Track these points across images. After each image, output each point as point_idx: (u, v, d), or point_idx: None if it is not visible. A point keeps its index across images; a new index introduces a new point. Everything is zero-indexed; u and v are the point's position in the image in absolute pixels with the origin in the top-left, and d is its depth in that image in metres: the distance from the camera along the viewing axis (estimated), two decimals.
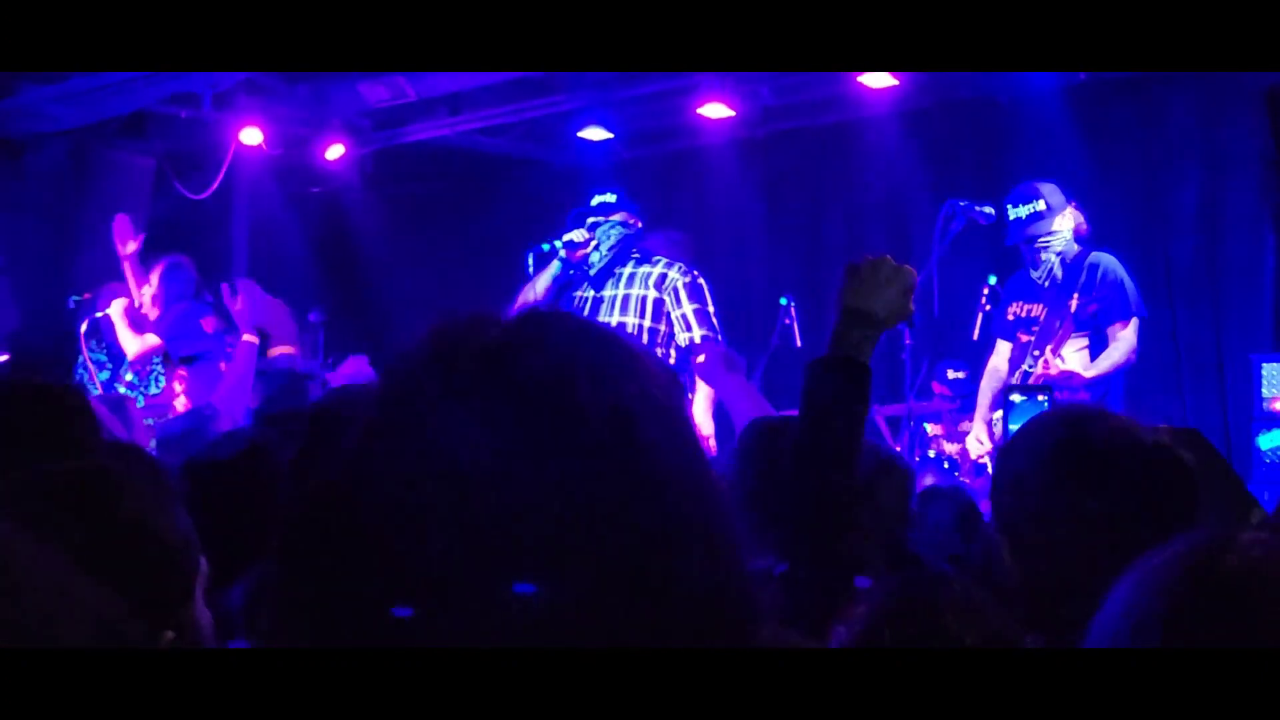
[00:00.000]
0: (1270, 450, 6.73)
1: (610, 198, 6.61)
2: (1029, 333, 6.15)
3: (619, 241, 6.48)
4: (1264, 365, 6.84)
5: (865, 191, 8.86)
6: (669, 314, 6.36)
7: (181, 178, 8.77)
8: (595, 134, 8.82)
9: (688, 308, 6.34)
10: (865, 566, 2.14)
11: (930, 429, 7.45)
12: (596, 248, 6.48)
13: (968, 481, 6.20)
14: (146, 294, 7.21)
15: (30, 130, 8.16)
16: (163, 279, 7.32)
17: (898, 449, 6.89)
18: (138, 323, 7.16)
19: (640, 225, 6.60)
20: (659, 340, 6.27)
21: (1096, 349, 5.99)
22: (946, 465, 7.22)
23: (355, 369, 6.03)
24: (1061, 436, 2.03)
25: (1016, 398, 2.82)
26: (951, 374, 7.72)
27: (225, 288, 5.92)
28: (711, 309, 6.42)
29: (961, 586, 1.57)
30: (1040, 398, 2.88)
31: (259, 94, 8.50)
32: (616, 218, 6.52)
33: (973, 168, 8.34)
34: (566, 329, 1.03)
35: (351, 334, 8.51)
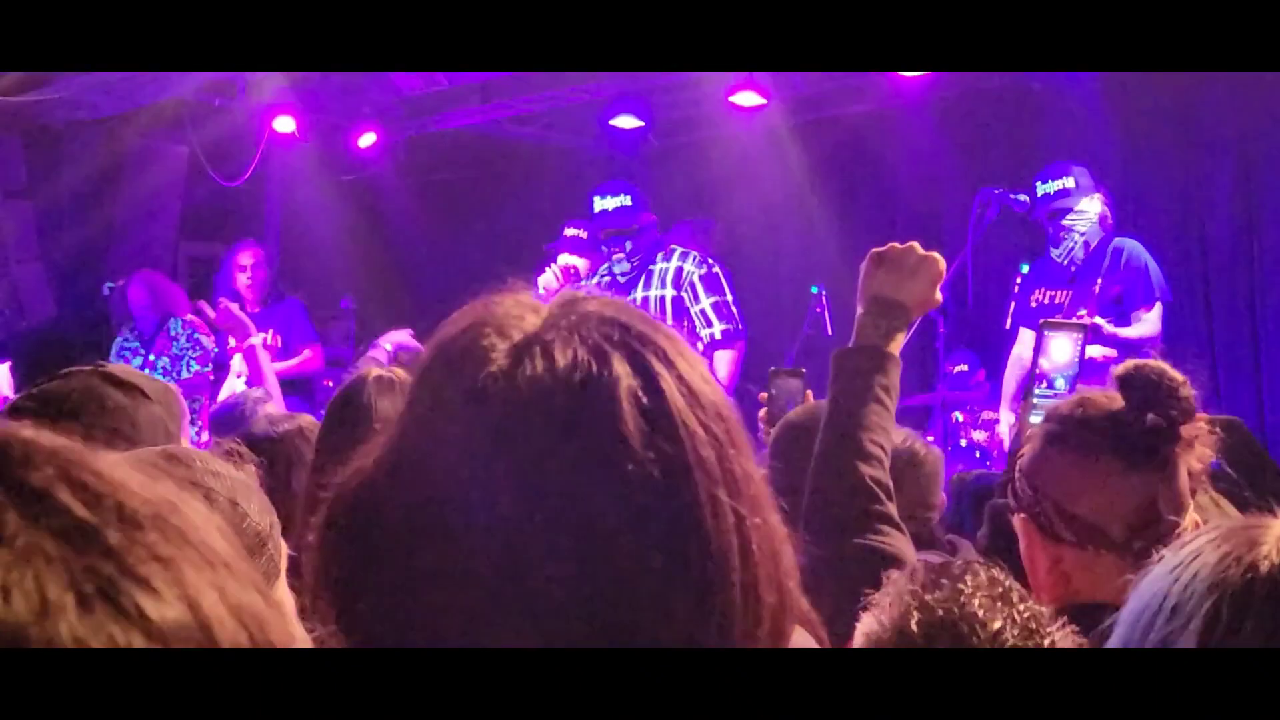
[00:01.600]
0: None
1: (625, 200, 6.49)
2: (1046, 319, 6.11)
3: (641, 257, 6.43)
4: None
5: (898, 179, 8.83)
6: (689, 310, 6.33)
7: (215, 166, 8.80)
8: (627, 122, 8.80)
9: (705, 302, 6.30)
10: (899, 558, 2.13)
11: (959, 417, 7.43)
12: (624, 259, 6.44)
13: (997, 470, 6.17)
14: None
15: (66, 118, 8.20)
16: (265, 269, 7.46)
17: (929, 438, 6.87)
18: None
19: (654, 221, 6.54)
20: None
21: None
22: (978, 454, 7.20)
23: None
24: (1062, 425, 2.06)
25: (1051, 332, 2.79)
26: (956, 369, 7.71)
27: (203, 305, 6.01)
28: (730, 298, 6.38)
29: (989, 573, 1.56)
30: (1076, 335, 2.84)
31: (293, 83, 8.53)
32: (629, 231, 6.44)
33: (1006, 155, 8.30)
34: (603, 323, 1.01)
35: (383, 321, 8.53)
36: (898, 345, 2.28)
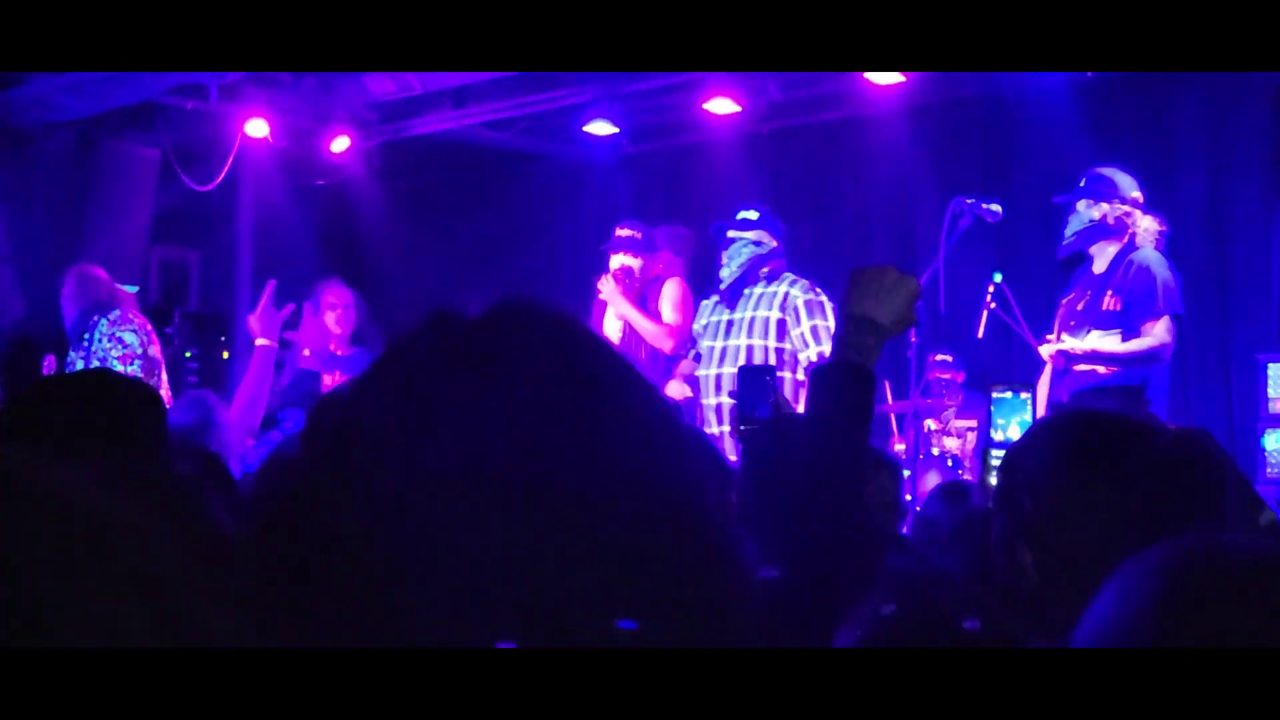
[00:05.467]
0: (1276, 450, 6.71)
1: (752, 214, 6.65)
2: (1066, 327, 6.13)
3: (748, 261, 6.54)
4: (1270, 365, 6.82)
5: (871, 188, 8.84)
6: (789, 332, 6.42)
7: (187, 169, 8.76)
8: (601, 128, 8.81)
9: (805, 325, 6.39)
10: (868, 568, 2.13)
11: (931, 425, 7.46)
12: (727, 264, 6.56)
13: (970, 478, 6.20)
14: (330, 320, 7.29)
15: (37, 120, 8.16)
16: (355, 311, 7.43)
17: (900, 445, 6.90)
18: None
19: (776, 245, 6.64)
20: (784, 359, 6.33)
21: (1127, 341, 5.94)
22: (950, 463, 7.22)
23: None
24: (1077, 436, 2.04)
25: (999, 394, 2.82)
26: (940, 357, 7.75)
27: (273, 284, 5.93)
28: (831, 324, 6.43)
29: (966, 586, 1.57)
30: (1023, 395, 2.88)
31: (265, 86, 8.50)
32: (749, 235, 6.56)
33: (979, 165, 8.32)
34: (536, 334, 1.00)
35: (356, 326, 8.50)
36: (873, 362, 2.32)
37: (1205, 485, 2.01)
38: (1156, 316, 5.91)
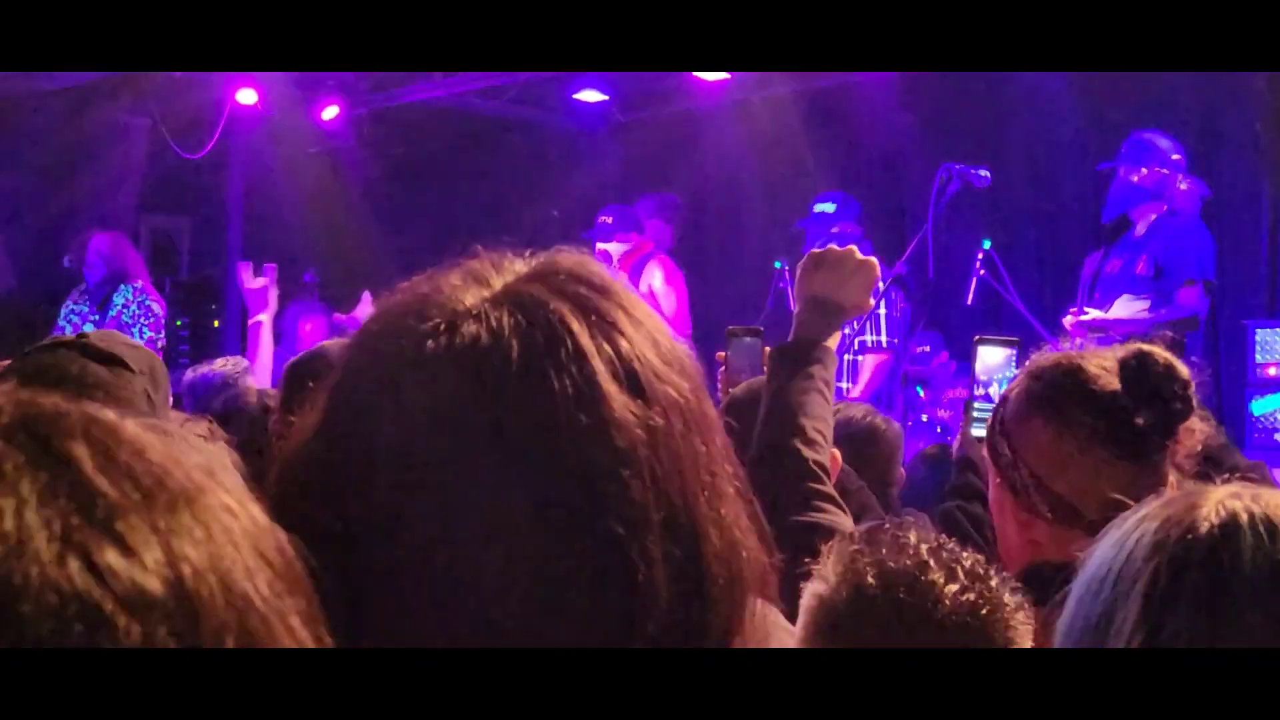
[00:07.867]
0: (1263, 416, 6.75)
1: (828, 207, 6.84)
2: (1094, 290, 6.13)
3: None
4: (1258, 331, 6.85)
5: (861, 155, 8.84)
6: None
7: (177, 138, 8.74)
8: (591, 96, 8.81)
9: (880, 308, 6.46)
10: (839, 530, 2.16)
11: (921, 391, 7.48)
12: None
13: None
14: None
15: (27, 88, 8.13)
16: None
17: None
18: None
19: (854, 230, 6.75)
20: (847, 340, 6.43)
21: (1156, 310, 5.94)
22: (940, 430, 7.24)
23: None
24: (1034, 373, 2.07)
25: (985, 346, 2.84)
26: (919, 349, 7.77)
27: (245, 267, 5.86)
28: (897, 313, 6.56)
29: (923, 530, 1.61)
30: (1009, 351, 2.89)
31: None
32: (835, 230, 6.68)
33: (969, 131, 8.31)
34: (554, 293, 0.96)
35: (346, 294, 8.50)
36: (834, 342, 2.36)
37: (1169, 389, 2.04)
38: (1189, 283, 5.88)
